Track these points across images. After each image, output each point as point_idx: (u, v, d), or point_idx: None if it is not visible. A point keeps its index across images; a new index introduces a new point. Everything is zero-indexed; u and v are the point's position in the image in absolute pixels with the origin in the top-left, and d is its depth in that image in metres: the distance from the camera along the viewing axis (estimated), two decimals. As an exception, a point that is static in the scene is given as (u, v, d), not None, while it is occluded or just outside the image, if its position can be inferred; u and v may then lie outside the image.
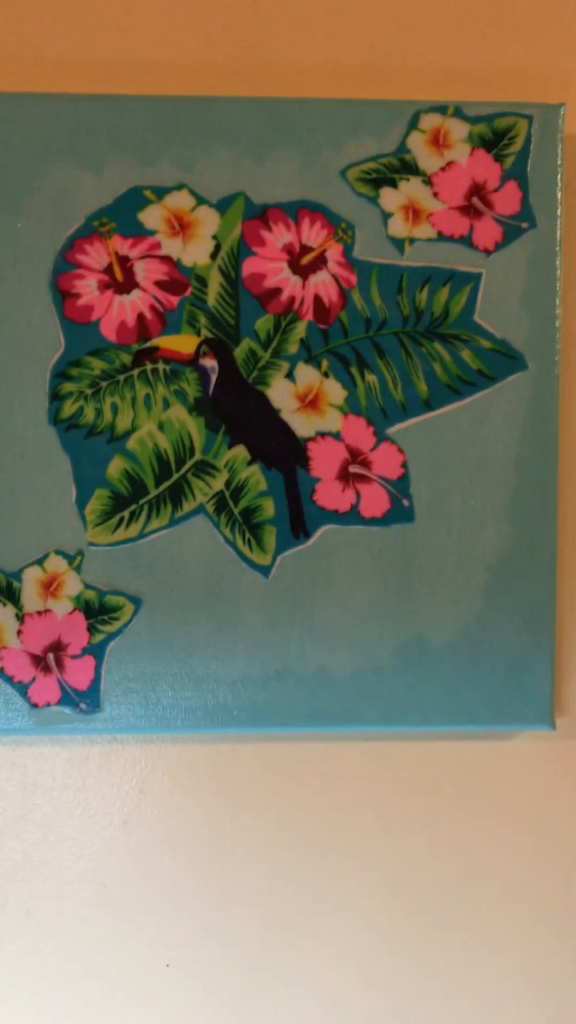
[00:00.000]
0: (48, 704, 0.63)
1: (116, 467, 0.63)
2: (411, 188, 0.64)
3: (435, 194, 0.64)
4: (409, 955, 0.69)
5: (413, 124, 0.64)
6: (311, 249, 0.64)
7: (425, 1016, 0.69)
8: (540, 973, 0.69)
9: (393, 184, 0.64)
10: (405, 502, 0.65)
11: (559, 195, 0.64)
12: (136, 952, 0.67)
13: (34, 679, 0.63)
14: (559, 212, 0.64)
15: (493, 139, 0.64)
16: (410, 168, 0.64)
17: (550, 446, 0.65)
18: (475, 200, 0.64)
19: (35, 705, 0.63)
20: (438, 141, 0.64)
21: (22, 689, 0.63)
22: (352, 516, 0.65)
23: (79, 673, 0.63)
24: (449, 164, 0.64)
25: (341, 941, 0.68)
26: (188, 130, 0.63)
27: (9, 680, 0.63)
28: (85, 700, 0.63)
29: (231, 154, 0.63)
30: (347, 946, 0.68)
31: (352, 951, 0.68)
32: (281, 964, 0.68)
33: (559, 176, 0.64)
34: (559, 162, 0.64)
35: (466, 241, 0.64)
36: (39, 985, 0.67)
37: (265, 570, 0.64)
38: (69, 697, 0.63)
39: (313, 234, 0.64)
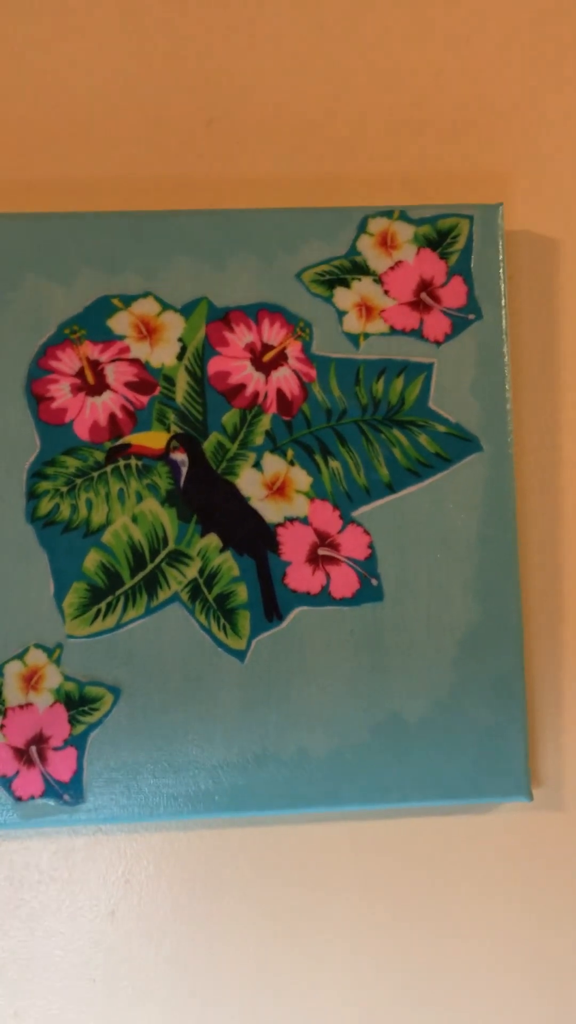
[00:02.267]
0: (32, 797, 0.64)
1: (92, 560, 0.66)
2: (363, 287, 0.68)
3: (386, 291, 0.68)
4: (402, 1038, 0.68)
5: (362, 228, 0.68)
6: (272, 347, 0.68)
7: None
8: (535, 1050, 0.69)
9: (346, 284, 0.68)
10: (374, 581, 0.67)
11: (502, 287, 0.69)
12: (127, 1049, 0.67)
13: (17, 772, 0.64)
14: (503, 303, 0.68)
15: (437, 239, 0.69)
16: (361, 269, 0.68)
17: (508, 521, 0.68)
18: (424, 295, 0.68)
19: (19, 799, 0.64)
20: (386, 243, 0.68)
21: (6, 783, 0.64)
22: (323, 597, 0.67)
23: (62, 765, 0.65)
24: (397, 263, 0.68)
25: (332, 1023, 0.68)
26: (151, 242, 0.67)
27: (-7, 775, 0.64)
28: (68, 791, 0.64)
29: (192, 262, 0.67)
30: (339, 1032, 0.68)
31: (345, 1037, 0.68)
32: (274, 1054, 0.67)
33: (501, 270, 0.69)
34: (500, 257, 0.69)
35: (417, 334, 0.68)
36: None
37: (241, 654, 0.66)
38: (53, 789, 0.64)
39: (273, 333, 0.68)
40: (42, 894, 0.67)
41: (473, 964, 0.69)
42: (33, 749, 0.64)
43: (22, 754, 0.64)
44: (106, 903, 0.67)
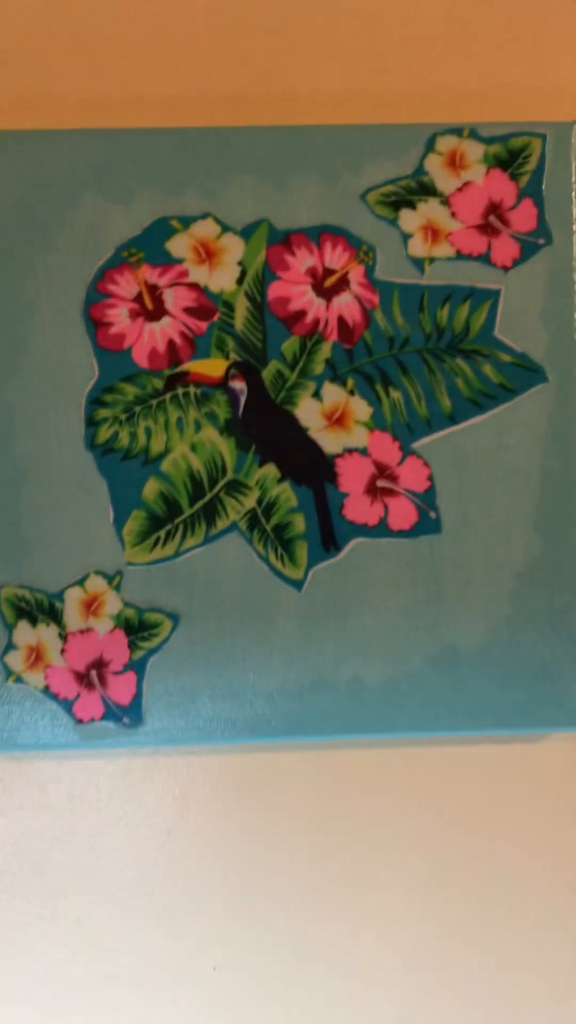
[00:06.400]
0: (92, 719, 0.66)
1: (151, 488, 0.66)
2: (429, 209, 0.66)
3: (453, 214, 0.66)
4: (449, 954, 0.70)
5: (430, 146, 0.65)
6: (334, 272, 0.66)
7: (467, 1004, 0.70)
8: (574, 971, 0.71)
9: (412, 206, 0.66)
10: (432, 514, 0.67)
11: (574, 211, 0.66)
12: (183, 955, 0.70)
13: (78, 695, 0.66)
14: (574, 227, 0.66)
15: (508, 158, 0.66)
16: (428, 190, 0.66)
17: (572, 455, 0.66)
18: (492, 218, 0.66)
19: (80, 720, 0.65)
20: (455, 162, 0.66)
21: (67, 706, 0.65)
22: (381, 529, 0.66)
23: (121, 688, 0.66)
24: (466, 184, 0.66)
25: (383, 945, 0.70)
26: (211, 160, 0.65)
27: (54, 697, 0.65)
28: (128, 715, 0.66)
29: (253, 182, 0.65)
30: (389, 950, 0.70)
31: (394, 955, 0.70)
32: (324, 966, 0.70)
33: (573, 192, 0.66)
34: (573, 178, 0.66)
35: (484, 259, 0.66)
36: (89, 988, 0.69)
37: (298, 584, 0.66)
38: (112, 712, 0.66)
39: (335, 257, 0.66)
40: (102, 812, 0.69)
41: (520, 891, 0.70)
42: (93, 673, 0.66)
43: (83, 678, 0.66)
44: (163, 822, 0.69)
